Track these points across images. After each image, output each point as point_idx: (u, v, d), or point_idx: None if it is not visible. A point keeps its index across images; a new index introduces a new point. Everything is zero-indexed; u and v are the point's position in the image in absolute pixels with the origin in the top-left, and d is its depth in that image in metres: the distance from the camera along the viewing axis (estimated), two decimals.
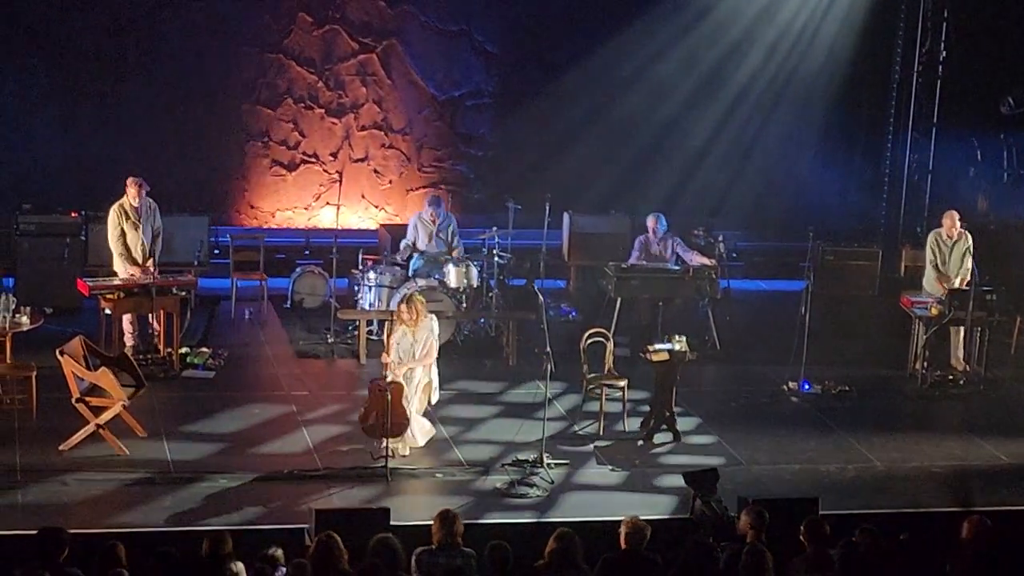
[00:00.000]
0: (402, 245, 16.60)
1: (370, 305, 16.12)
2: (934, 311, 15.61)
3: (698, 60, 20.37)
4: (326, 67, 19.85)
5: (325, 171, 19.90)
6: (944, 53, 19.86)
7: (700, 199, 20.12)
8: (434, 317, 13.06)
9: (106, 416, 12.44)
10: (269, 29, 19.56)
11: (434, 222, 16.54)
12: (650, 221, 16.94)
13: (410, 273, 16.31)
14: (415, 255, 16.53)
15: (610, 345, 14.08)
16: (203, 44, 19.20)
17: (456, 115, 20.38)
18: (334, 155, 20.01)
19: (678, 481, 12.03)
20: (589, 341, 13.95)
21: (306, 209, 19.94)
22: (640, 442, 13.45)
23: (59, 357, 12.41)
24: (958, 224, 16.03)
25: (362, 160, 20.12)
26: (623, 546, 9.54)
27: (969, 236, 16.07)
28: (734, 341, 16.71)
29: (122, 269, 15.08)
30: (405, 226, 17.07)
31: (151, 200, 15.29)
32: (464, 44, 20.23)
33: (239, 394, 14.36)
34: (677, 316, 16.65)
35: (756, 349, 16.67)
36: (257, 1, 19.44)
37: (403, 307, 12.85)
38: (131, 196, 15.08)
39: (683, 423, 13.79)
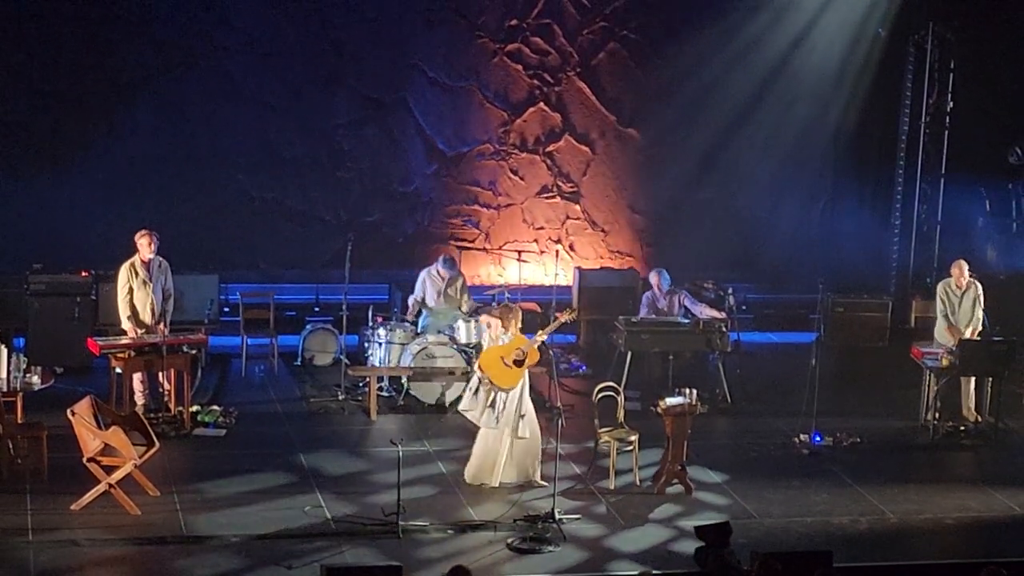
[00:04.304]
0: (410, 301, 16.57)
1: (380, 362, 16.11)
2: (945, 362, 15.59)
3: (707, 112, 20.44)
4: (334, 123, 19.91)
5: (334, 228, 19.90)
6: (951, 104, 19.88)
7: (709, 252, 20.14)
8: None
9: (117, 475, 12.42)
10: (279, 88, 19.63)
11: (443, 280, 16.54)
12: (653, 278, 16.95)
13: (419, 329, 16.32)
14: (424, 312, 16.56)
15: (621, 399, 14.06)
16: (213, 103, 19.30)
17: (464, 170, 20.41)
18: (343, 212, 20.03)
19: (690, 534, 11.98)
20: (600, 395, 13.93)
21: (316, 267, 19.95)
22: (652, 496, 13.42)
23: (70, 417, 12.42)
24: (967, 273, 16.03)
25: (371, 217, 20.15)
26: None
27: (979, 285, 16.08)
28: (745, 394, 16.67)
29: (129, 329, 15.10)
30: (415, 283, 17.06)
31: (163, 260, 15.31)
32: (471, 99, 20.30)
33: (250, 452, 14.34)
34: (688, 369, 16.65)
35: (767, 401, 16.64)
36: (266, 60, 19.52)
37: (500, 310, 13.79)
38: (142, 249, 15.09)
39: (695, 476, 13.76)
